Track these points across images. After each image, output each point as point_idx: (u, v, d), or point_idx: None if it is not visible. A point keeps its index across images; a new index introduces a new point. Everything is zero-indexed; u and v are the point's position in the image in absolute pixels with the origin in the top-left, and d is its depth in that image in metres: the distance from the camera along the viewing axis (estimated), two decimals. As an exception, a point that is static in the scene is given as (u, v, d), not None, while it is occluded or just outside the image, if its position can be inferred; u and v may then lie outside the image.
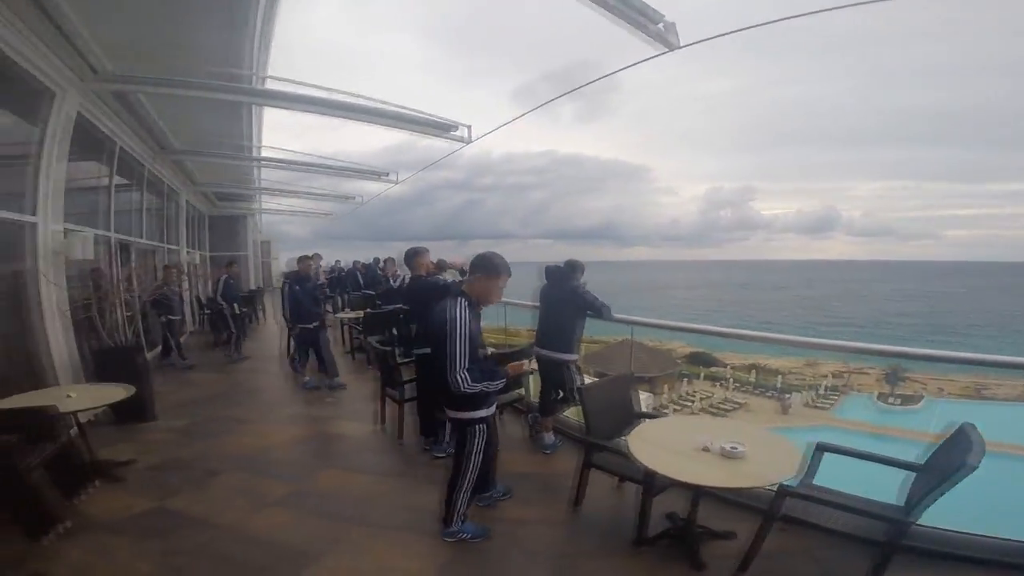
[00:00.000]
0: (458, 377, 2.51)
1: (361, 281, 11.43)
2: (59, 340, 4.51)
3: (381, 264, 10.53)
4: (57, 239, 4.58)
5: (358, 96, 5.70)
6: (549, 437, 4.20)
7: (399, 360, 4.67)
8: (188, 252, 11.09)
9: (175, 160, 8.69)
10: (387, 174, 9.73)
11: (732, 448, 2.42)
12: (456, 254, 4.93)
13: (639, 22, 3.41)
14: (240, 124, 7.07)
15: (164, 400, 5.33)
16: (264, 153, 8.52)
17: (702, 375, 25.10)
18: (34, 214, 4.38)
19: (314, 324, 6.36)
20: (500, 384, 2.69)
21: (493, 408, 2.88)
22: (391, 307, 7.08)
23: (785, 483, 2.40)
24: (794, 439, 2.68)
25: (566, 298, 4.07)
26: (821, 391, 22.80)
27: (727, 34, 4.01)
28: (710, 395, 22.88)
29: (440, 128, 6.30)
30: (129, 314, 6.50)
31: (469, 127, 6.42)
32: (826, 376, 24.40)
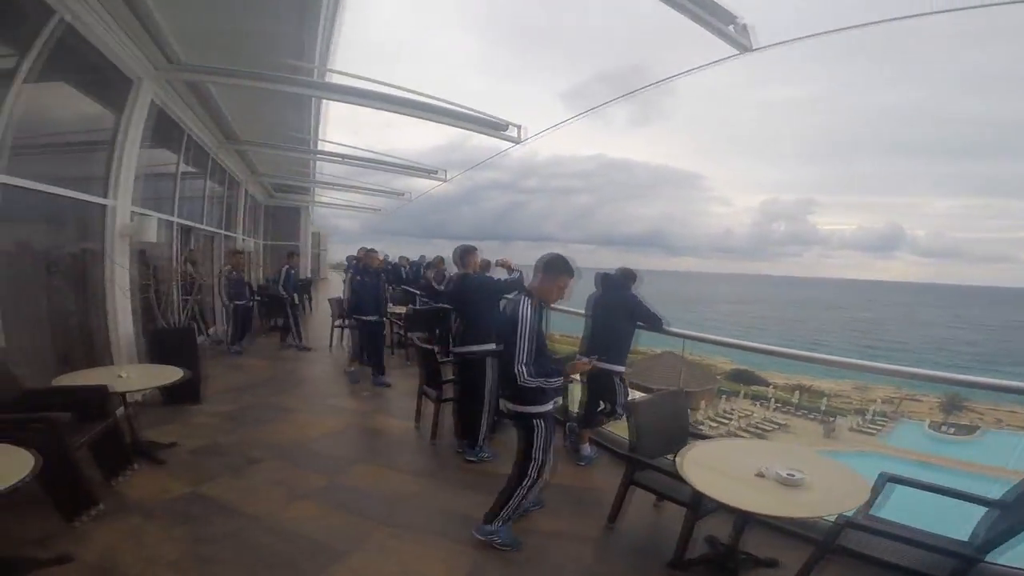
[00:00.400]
0: (520, 369, 2.63)
1: (404, 276, 11.48)
2: (119, 319, 4.71)
3: (427, 261, 10.64)
4: (126, 222, 4.80)
5: (415, 92, 5.77)
6: (587, 449, 4.10)
7: (441, 359, 4.64)
8: (245, 240, 11.54)
9: (238, 150, 9.03)
10: (436, 172, 9.86)
11: (790, 475, 2.27)
12: (504, 255, 4.91)
13: (710, 23, 3.26)
14: (302, 117, 7.25)
15: (212, 384, 5.49)
16: (322, 147, 8.77)
17: (742, 393, 24.26)
18: (107, 196, 4.59)
19: (373, 318, 6.37)
20: (559, 382, 2.78)
21: (551, 406, 2.89)
22: (436, 305, 7.06)
23: (845, 513, 2.28)
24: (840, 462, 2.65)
25: (619, 307, 3.97)
26: (869, 416, 21.77)
27: (804, 38, 3.76)
28: (749, 414, 22.11)
29: (492, 127, 6.27)
30: (187, 297, 6.84)
31: (520, 127, 6.37)
32: (875, 401, 23.30)
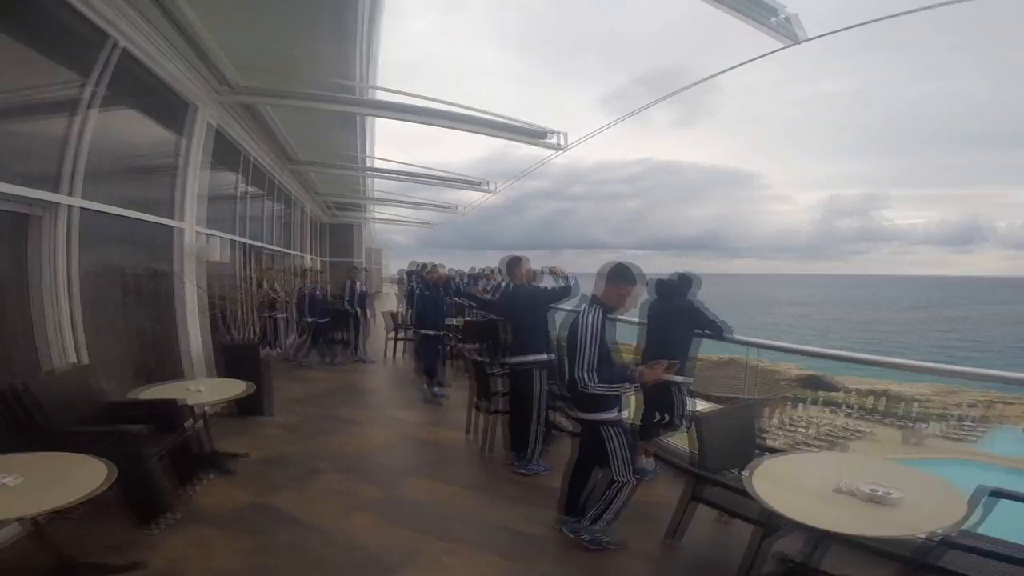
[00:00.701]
0: (584, 375, 2.67)
1: (457, 289, 11.60)
2: (191, 335, 4.99)
3: (477, 271, 10.73)
4: (196, 242, 5.10)
5: (458, 105, 5.86)
6: (647, 463, 3.92)
7: (493, 371, 4.58)
8: (310, 258, 12.07)
9: (297, 170, 9.48)
10: (484, 184, 9.97)
11: (873, 490, 2.09)
12: (555, 262, 4.80)
13: (755, 16, 3.13)
14: (353, 136, 7.54)
15: (279, 396, 5.68)
16: (373, 164, 9.07)
17: (811, 399, 22.78)
18: (175, 218, 4.89)
19: (435, 333, 6.37)
20: (627, 388, 2.79)
21: (622, 413, 2.91)
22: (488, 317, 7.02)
23: (940, 530, 2.09)
24: (927, 472, 2.55)
25: (678, 314, 3.77)
26: (957, 421, 19.85)
27: (857, 26, 3.55)
28: (821, 421, 20.74)
29: (534, 136, 6.30)
30: (270, 314, 7.33)
31: (562, 134, 6.33)
32: (965, 405, 21.13)
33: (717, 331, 3.76)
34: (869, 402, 21.96)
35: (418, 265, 10.72)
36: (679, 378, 3.72)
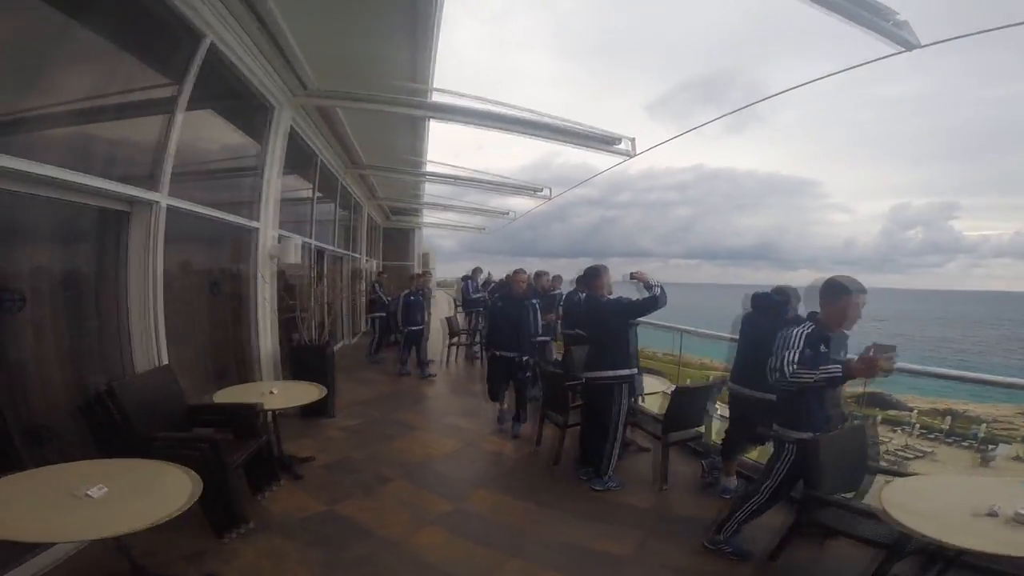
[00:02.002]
0: (786, 368, 2.47)
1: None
2: (267, 336, 5.06)
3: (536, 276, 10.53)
4: (272, 243, 5.18)
5: (524, 109, 5.73)
6: (731, 481, 3.73)
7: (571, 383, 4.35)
8: (367, 260, 12.27)
9: (361, 174, 9.62)
10: (541, 190, 9.79)
11: (1021, 513, 1.94)
12: (641, 269, 4.40)
13: (867, 20, 2.99)
14: (413, 140, 7.54)
15: (341, 398, 5.69)
16: (430, 169, 9.08)
17: (879, 417, 21.27)
18: (254, 219, 4.97)
19: (513, 355, 4.93)
20: (837, 373, 2.44)
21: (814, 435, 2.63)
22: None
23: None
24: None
25: (775, 330, 3.47)
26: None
27: (975, 34, 3.26)
28: (886, 440, 19.33)
29: (603, 142, 6.04)
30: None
31: (630, 139, 6.09)
32: None
33: None
34: (940, 422, 20.43)
35: (480, 272, 10.65)
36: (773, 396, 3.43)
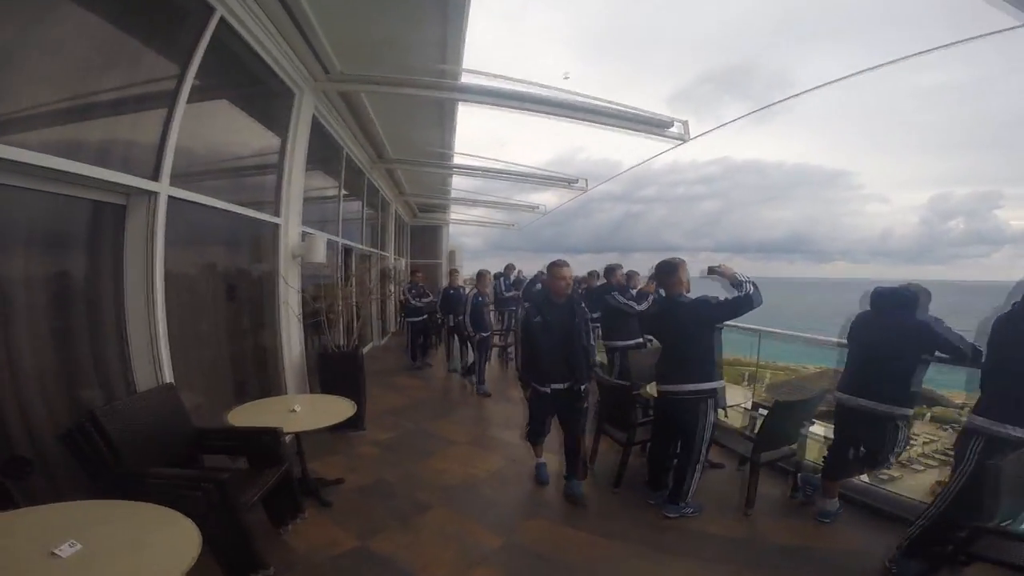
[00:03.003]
0: None
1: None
2: (292, 343, 4.64)
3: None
4: (296, 241, 4.75)
5: (561, 90, 5.21)
6: (832, 504, 3.25)
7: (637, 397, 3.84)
8: (396, 258, 11.90)
9: (388, 168, 9.22)
10: (576, 181, 9.24)
11: None
12: (725, 263, 3.74)
13: None
14: (442, 131, 7.14)
15: (371, 406, 5.25)
16: (458, 161, 8.62)
17: (928, 415, 19.94)
18: (277, 215, 4.55)
19: (566, 384, 3.50)
20: None
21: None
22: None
23: None
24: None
25: (906, 334, 2.90)
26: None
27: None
28: (935, 439, 18.06)
29: (655, 125, 5.51)
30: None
31: (685, 122, 5.51)
32: None
33: (961, 356, 2.81)
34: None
35: (512, 269, 10.14)
36: (903, 409, 2.93)
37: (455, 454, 4.41)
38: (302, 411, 3.26)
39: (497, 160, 8.92)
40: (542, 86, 5.12)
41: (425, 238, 15.82)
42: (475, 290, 6.75)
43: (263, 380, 4.41)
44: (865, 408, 2.99)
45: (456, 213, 15.97)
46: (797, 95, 5.98)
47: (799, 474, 3.55)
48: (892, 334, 2.91)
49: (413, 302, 8.01)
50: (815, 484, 3.39)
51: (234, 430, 2.87)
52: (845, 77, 5.19)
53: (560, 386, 3.49)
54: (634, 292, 5.64)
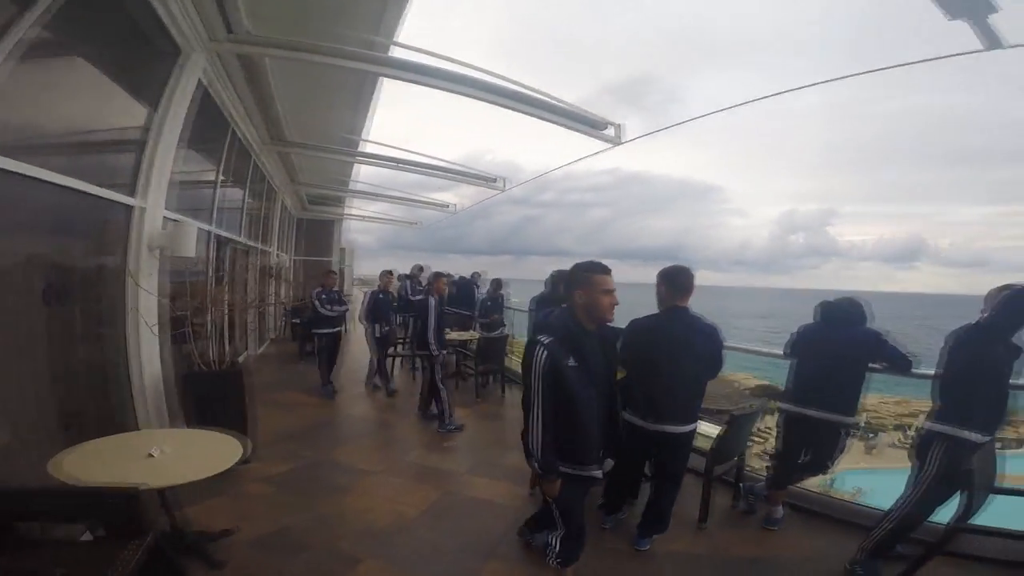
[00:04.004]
0: None
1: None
2: (145, 361, 3.53)
3: (481, 276, 9.50)
4: (157, 229, 3.69)
5: (506, 79, 4.78)
6: (778, 511, 3.35)
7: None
8: (279, 255, 10.53)
9: (282, 152, 8.04)
10: (495, 180, 8.85)
11: None
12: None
13: None
14: (355, 114, 6.34)
15: (257, 431, 4.22)
16: (368, 149, 7.79)
17: (767, 408, 22.89)
18: (133, 195, 3.49)
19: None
20: None
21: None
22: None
23: None
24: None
25: (853, 346, 3.07)
26: (911, 431, 20.49)
27: None
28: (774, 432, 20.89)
29: (592, 125, 5.35)
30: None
31: (619, 126, 5.40)
32: (917, 415, 21.95)
33: (904, 366, 3.02)
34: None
35: (422, 271, 9.36)
36: (850, 419, 3.10)
37: (375, 488, 3.71)
38: (166, 454, 2.35)
39: (411, 152, 8.13)
40: (479, 69, 4.65)
41: (315, 233, 14.37)
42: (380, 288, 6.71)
43: (104, 410, 3.28)
44: (816, 418, 3.10)
45: (353, 208, 14.74)
46: (697, 117, 6.00)
47: (742, 484, 3.59)
48: (843, 346, 3.05)
49: (324, 310, 6.52)
50: (757, 493, 3.47)
51: (69, 491, 1.94)
52: (742, 103, 5.16)
53: (599, 471, 2.35)
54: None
